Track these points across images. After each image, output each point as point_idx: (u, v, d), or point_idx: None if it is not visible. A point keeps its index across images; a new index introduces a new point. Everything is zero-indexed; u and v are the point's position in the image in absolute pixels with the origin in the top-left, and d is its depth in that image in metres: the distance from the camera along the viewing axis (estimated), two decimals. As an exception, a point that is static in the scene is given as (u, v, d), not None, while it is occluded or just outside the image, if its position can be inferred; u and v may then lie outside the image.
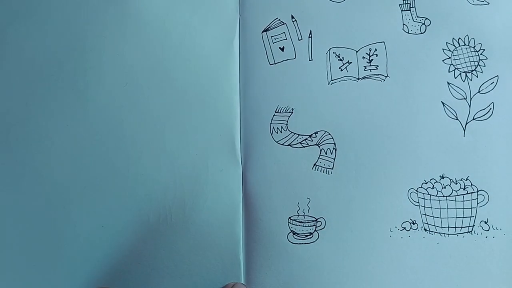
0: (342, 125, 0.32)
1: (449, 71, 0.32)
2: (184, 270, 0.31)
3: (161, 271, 0.31)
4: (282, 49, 0.33)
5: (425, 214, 0.31)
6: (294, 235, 0.31)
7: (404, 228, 0.31)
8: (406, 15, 0.33)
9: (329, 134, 0.32)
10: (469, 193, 0.31)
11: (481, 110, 0.32)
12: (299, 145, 0.32)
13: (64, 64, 0.33)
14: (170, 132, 0.32)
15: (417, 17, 0.33)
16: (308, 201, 0.31)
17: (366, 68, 0.32)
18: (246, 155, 0.32)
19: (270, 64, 0.33)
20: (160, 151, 0.32)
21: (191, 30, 0.33)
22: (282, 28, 0.33)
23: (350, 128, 0.32)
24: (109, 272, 0.31)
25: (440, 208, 0.31)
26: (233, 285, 0.30)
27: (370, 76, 0.32)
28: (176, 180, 0.32)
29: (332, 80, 0.33)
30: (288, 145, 0.32)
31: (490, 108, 0.32)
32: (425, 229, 0.31)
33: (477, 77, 0.32)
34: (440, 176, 0.31)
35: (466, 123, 0.32)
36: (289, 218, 0.31)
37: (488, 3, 0.33)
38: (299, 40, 0.33)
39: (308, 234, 0.31)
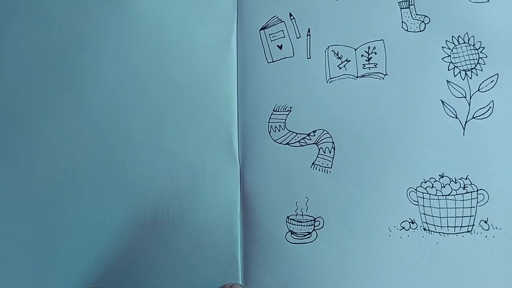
0: (340, 124, 0.32)
1: (448, 69, 0.32)
2: (182, 270, 0.31)
3: (158, 271, 0.31)
4: (280, 47, 0.33)
5: (425, 214, 0.31)
6: (292, 235, 0.31)
7: (403, 227, 0.31)
8: (405, 12, 0.33)
9: (328, 133, 0.32)
10: (469, 192, 0.31)
11: (481, 108, 0.32)
12: (298, 144, 0.32)
13: (61, 62, 0.33)
14: (167, 131, 0.32)
15: (416, 14, 0.33)
16: (306, 200, 0.31)
17: (364, 66, 0.32)
18: (244, 154, 0.32)
19: (268, 62, 0.33)
20: (157, 150, 0.32)
21: (188, 28, 0.33)
22: (280, 26, 0.33)
23: (348, 126, 0.32)
24: (105, 272, 0.31)
25: (439, 208, 0.31)
26: (231, 285, 0.30)
27: (369, 74, 0.32)
28: (173, 179, 0.32)
29: (331, 78, 0.32)
30: (286, 144, 0.32)
31: (490, 107, 0.31)
32: (425, 229, 0.31)
33: (477, 75, 0.32)
34: (439, 175, 0.31)
35: (466, 122, 0.31)
36: (287, 217, 0.31)
37: (488, 1, 0.33)
38: (297, 38, 0.33)
39: (307, 233, 0.31)
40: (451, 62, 0.32)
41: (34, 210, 0.31)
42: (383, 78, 0.32)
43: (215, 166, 0.32)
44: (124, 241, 0.31)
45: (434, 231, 0.31)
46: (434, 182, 0.31)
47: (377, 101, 0.32)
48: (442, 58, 0.32)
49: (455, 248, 0.30)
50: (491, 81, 0.32)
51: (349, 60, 0.32)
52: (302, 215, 0.31)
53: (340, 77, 0.32)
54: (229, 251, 0.31)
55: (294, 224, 0.31)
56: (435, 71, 0.32)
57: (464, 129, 0.31)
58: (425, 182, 0.31)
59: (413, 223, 0.31)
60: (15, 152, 0.32)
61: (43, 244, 0.31)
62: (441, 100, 0.32)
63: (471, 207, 0.31)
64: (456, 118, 0.31)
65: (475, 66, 0.32)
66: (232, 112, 0.32)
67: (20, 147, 0.32)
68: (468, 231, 0.30)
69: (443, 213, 0.31)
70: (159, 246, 0.31)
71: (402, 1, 0.33)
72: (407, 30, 0.33)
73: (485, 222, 0.30)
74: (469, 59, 0.32)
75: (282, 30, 0.33)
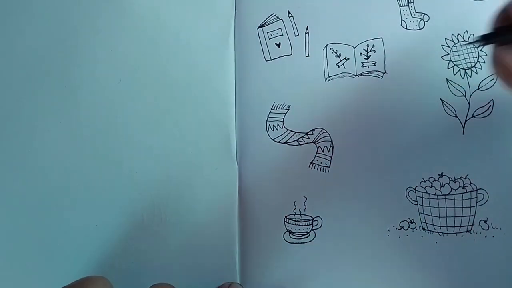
0: (339, 123, 0.32)
1: (448, 68, 0.32)
2: (179, 270, 0.31)
3: (156, 271, 0.31)
4: (278, 45, 0.33)
5: (424, 213, 0.31)
6: (290, 234, 0.31)
7: (402, 227, 0.31)
8: (405, 10, 0.33)
9: (326, 131, 0.32)
10: (468, 192, 0.31)
11: (480, 107, 0.31)
12: (296, 142, 0.32)
13: (56, 60, 0.33)
14: (164, 130, 0.32)
15: (416, 12, 0.32)
16: (304, 199, 0.31)
17: (363, 64, 0.32)
18: (242, 153, 0.32)
19: (266, 61, 0.33)
20: (154, 149, 0.32)
21: (186, 26, 0.33)
22: (278, 24, 0.33)
23: (347, 125, 0.32)
24: (102, 272, 0.30)
25: (438, 207, 0.30)
26: (229, 285, 0.29)
27: (368, 72, 0.32)
28: (170, 178, 0.31)
29: (329, 76, 0.32)
30: (285, 142, 0.32)
31: (490, 105, 0.31)
32: (424, 228, 0.30)
33: (477, 73, 0.32)
34: (438, 174, 0.31)
35: (466, 121, 0.31)
36: (285, 217, 0.31)
37: (488, -1, 0.33)
38: (295, 36, 0.33)
39: (305, 233, 0.31)
40: (451, 60, 0.32)
41: (29, 209, 0.31)
42: (382, 77, 0.32)
43: (213, 165, 0.32)
44: (121, 241, 0.31)
45: (433, 231, 0.30)
46: (433, 181, 0.31)
47: (376, 99, 0.32)
48: (442, 56, 0.32)
49: (455, 248, 0.30)
50: (491, 80, 0.32)
51: (348, 59, 0.32)
52: (300, 214, 0.31)
53: (339, 75, 0.32)
54: (227, 251, 0.31)
55: (292, 224, 0.31)
56: (434, 70, 0.32)
57: (463, 128, 0.31)
58: (424, 182, 0.31)
59: (412, 222, 0.31)
60: (10, 151, 0.32)
61: (40, 244, 0.31)
62: (440, 99, 0.31)
63: (470, 207, 0.30)
64: (456, 117, 0.31)
65: (475, 64, 0.32)
66: (230, 110, 0.32)
67: (15, 146, 0.32)
68: (467, 231, 0.30)
69: (442, 213, 0.30)
70: (156, 246, 0.31)
71: (402, -1, 0.33)
72: (406, 28, 0.32)
73: (485, 222, 0.30)
74: (469, 58, 0.32)
75: (280, 28, 0.33)
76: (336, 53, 0.32)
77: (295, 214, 0.31)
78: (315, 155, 0.32)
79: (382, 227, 0.31)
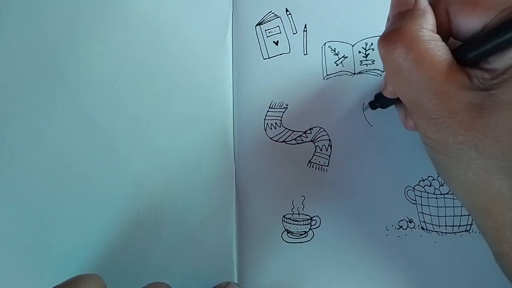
0: (337, 122, 0.31)
1: (447, 66, 0.32)
2: (176, 270, 0.31)
3: (153, 270, 0.31)
4: (276, 43, 0.32)
5: (422, 213, 0.30)
6: (288, 234, 0.31)
7: (401, 226, 0.30)
8: (404, 8, 0.32)
9: (324, 130, 0.31)
10: (468, 191, 0.30)
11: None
12: (294, 141, 0.32)
13: (53, 58, 0.32)
14: (162, 128, 0.32)
15: (415, 10, 0.32)
16: (303, 199, 0.31)
17: (362, 62, 0.32)
18: (240, 151, 0.32)
19: (264, 59, 0.32)
20: (151, 148, 0.32)
21: (183, 24, 0.33)
22: (276, 22, 0.33)
23: (345, 124, 0.31)
24: (98, 271, 0.30)
25: (437, 206, 0.30)
26: (226, 284, 0.29)
27: (366, 71, 0.32)
28: (168, 177, 0.31)
29: (328, 75, 0.32)
30: (283, 141, 0.32)
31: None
32: (422, 228, 0.30)
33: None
34: (437, 173, 0.31)
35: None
36: (284, 216, 0.31)
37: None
38: (293, 34, 0.32)
39: (303, 232, 0.31)
40: (450, 58, 0.32)
41: (25, 208, 0.31)
42: (380, 75, 0.32)
43: (210, 164, 0.31)
44: (118, 240, 0.31)
45: (432, 230, 0.30)
46: (432, 180, 0.31)
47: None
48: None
49: (454, 248, 0.30)
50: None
51: (346, 57, 0.32)
52: (298, 214, 0.31)
53: (337, 73, 0.32)
54: (225, 250, 0.31)
55: (291, 223, 0.31)
56: (433, 68, 0.32)
57: (463, 126, 0.31)
58: (423, 181, 0.31)
59: (410, 222, 0.30)
60: (7, 150, 0.31)
61: (35, 242, 0.31)
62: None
63: (469, 206, 0.30)
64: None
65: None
66: (228, 109, 0.32)
67: (12, 144, 0.32)
68: (466, 230, 0.30)
69: (441, 212, 0.30)
70: (153, 245, 0.31)
71: (401, -3, 0.32)
72: (405, 26, 0.32)
73: (484, 221, 0.30)
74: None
75: (278, 26, 0.33)
76: (334, 51, 0.32)
77: (293, 214, 0.31)
78: (313, 154, 0.31)
79: (380, 226, 0.30)
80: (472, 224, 0.30)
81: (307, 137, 0.32)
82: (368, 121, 0.31)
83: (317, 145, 0.31)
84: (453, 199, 0.30)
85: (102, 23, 0.33)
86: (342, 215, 0.31)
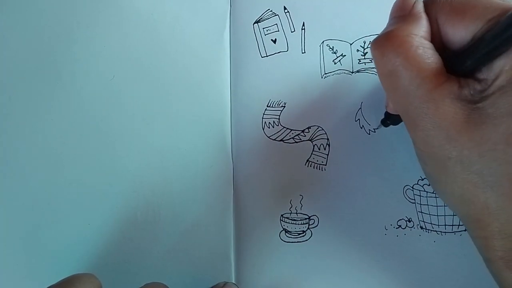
0: (335, 120, 0.31)
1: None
2: (173, 269, 0.30)
3: (149, 269, 0.30)
4: (274, 41, 0.32)
5: (421, 212, 0.30)
6: (286, 233, 0.31)
7: (400, 226, 0.30)
8: (402, 6, 0.32)
9: (322, 129, 0.31)
10: (467, 190, 0.30)
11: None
12: (292, 140, 0.31)
13: (49, 56, 0.32)
14: (159, 127, 0.32)
15: (413, 8, 0.32)
16: (301, 198, 0.31)
17: (360, 61, 0.32)
18: (237, 150, 0.31)
19: (262, 57, 0.32)
20: (148, 147, 0.31)
21: (180, 22, 0.32)
22: (274, 20, 0.32)
23: (344, 123, 0.31)
24: (95, 271, 0.30)
25: (436, 206, 0.30)
26: (224, 284, 0.29)
27: (365, 69, 0.32)
28: (165, 176, 0.31)
29: (326, 73, 0.32)
30: (281, 140, 0.31)
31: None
32: (421, 227, 0.30)
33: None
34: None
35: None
36: (281, 215, 0.31)
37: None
38: (291, 32, 0.32)
39: (301, 232, 0.31)
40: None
41: (20, 207, 0.31)
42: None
43: (208, 163, 0.31)
44: (114, 240, 0.30)
45: (432, 230, 0.30)
46: (431, 179, 0.30)
47: (373, 97, 0.31)
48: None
49: (453, 247, 0.30)
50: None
51: (345, 55, 0.32)
52: (296, 213, 0.31)
53: (335, 72, 0.32)
54: (222, 250, 0.30)
55: (288, 223, 0.31)
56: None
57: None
58: (422, 180, 0.30)
59: (409, 221, 0.30)
60: (2, 148, 0.31)
61: (31, 243, 0.30)
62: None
63: (469, 205, 0.30)
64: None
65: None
66: (225, 107, 0.32)
67: (8, 142, 0.31)
68: (465, 230, 0.30)
69: (441, 211, 0.30)
70: (150, 245, 0.30)
71: (399, -5, 0.32)
72: (403, 24, 0.32)
73: (483, 220, 0.30)
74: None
75: (276, 24, 0.32)
76: (332, 49, 0.32)
77: (291, 213, 0.31)
78: (311, 153, 0.31)
79: (379, 226, 0.30)
80: (471, 223, 0.30)
81: (305, 136, 0.31)
82: (366, 120, 0.31)
83: (315, 144, 0.31)
84: (452, 198, 0.30)
85: (99, 21, 0.32)
86: (340, 214, 0.30)
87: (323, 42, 0.32)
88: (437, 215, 0.30)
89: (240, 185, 0.31)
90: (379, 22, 0.32)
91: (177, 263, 0.30)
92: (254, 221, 0.31)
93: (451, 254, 0.30)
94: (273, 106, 0.32)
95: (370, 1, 0.32)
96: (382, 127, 0.30)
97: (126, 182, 0.31)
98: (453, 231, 0.30)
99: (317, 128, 0.31)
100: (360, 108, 0.31)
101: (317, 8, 0.32)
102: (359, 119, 0.31)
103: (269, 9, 0.33)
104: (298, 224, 0.31)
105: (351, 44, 0.32)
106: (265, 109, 0.32)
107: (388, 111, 0.27)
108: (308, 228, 0.31)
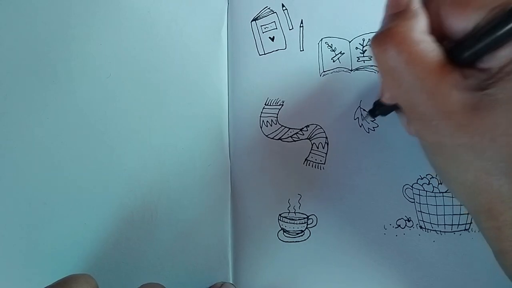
0: (334, 119, 0.31)
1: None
2: (170, 269, 0.30)
3: (146, 270, 0.30)
4: (272, 39, 0.32)
5: (421, 211, 0.30)
6: (284, 233, 0.30)
7: (399, 225, 0.30)
8: (401, 3, 0.32)
9: (321, 127, 0.31)
10: (467, 189, 0.30)
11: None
12: (290, 139, 0.31)
13: (45, 54, 0.32)
14: (156, 126, 0.31)
15: (413, 5, 0.32)
16: (299, 197, 0.31)
17: (359, 59, 0.31)
18: (235, 149, 0.31)
19: (260, 55, 0.32)
20: (145, 145, 0.31)
21: (177, 19, 0.32)
22: (272, 17, 0.32)
23: (342, 121, 0.31)
24: (91, 271, 0.30)
25: (436, 205, 0.30)
26: (221, 284, 0.29)
27: (364, 67, 0.31)
28: (162, 175, 0.31)
29: (324, 71, 0.32)
30: (279, 139, 0.31)
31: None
32: (421, 227, 0.30)
33: (475, 68, 0.31)
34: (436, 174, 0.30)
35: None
36: (280, 215, 0.31)
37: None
38: (289, 29, 0.32)
39: (299, 231, 0.30)
40: (449, 54, 0.31)
41: (16, 207, 0.30)
42: (378, 72, 0.31)
43: (205, 162, 0.31)
44: (111, 239, 0.30)
45: (431, 229, 0.30)
46: (430, 178, 0.30)
47: (371, 95, 0.31)
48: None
49: (453, 247, 0.29)
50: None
51: (343, 53, 0.32)
52: (294, 212, 0.31)
53: (334, 70, 0.31)
54: (220, 249, 0.30)
55: (287, 222, 0.30)
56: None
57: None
58: (422, 179, 0.30)
59: (409, 221, 0.30)
60: (-2, 147, 0.31)
61: (27, 242, 0.30)
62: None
63: (468, 205, 0.30)
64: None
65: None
66: (223, 106, 0.32)
67: (3, 143, 0.31)
68: (465, 229, 0.30)
69: (440, 211, 0.30)
70: (147, 244, 0.30)
71: (398, -8, 0.32)
72: (403, 22, 0.32)
73: (483, 220, 0.30)
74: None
75: (274, 22, 0.32)
76: (331, 47, 0.32)
77: (289, 212, 0.31)
78: (310, 152, 0.31)
79: (378, 225, 0.30)
80: (471, 223, 0.30)
81: (303, 134, 0.31)
82: (365, 119, 0.31)
83: (314, 143, 0.31)
84: (452, 197, 0.30)
85: (95, 19, 0.32)
86: (339, 213, 0.30)
87: (321, 39, 0.32)
88: (437, 215, 0.30)
89: (238, 184, 0.31)
90: (378, 19, 0.32)
91: (174, 263, 0.30)
92: (252, 221, 0.31)
93: (450, 253, 0.29)
94: (271, 104, 0.31)
95: (368, -2, 0.32)
96: (369, 117, 0.30)
97: (122, 181, 0.31)
98: (452, 230, 0.30)
99: (316, 126, 0.31)
100: (359, 106, 0.31)
101: (315, 5, 0.32)
102: (358, 117, 0.31)
103: (267, 7, 0.32)
104: (297, 223, 0.30)
105: (350, 42, 0.32)
106: (263, 108, 0.31)
107: (384, 101, 0.27)
108: (306, 228, 0.30)
